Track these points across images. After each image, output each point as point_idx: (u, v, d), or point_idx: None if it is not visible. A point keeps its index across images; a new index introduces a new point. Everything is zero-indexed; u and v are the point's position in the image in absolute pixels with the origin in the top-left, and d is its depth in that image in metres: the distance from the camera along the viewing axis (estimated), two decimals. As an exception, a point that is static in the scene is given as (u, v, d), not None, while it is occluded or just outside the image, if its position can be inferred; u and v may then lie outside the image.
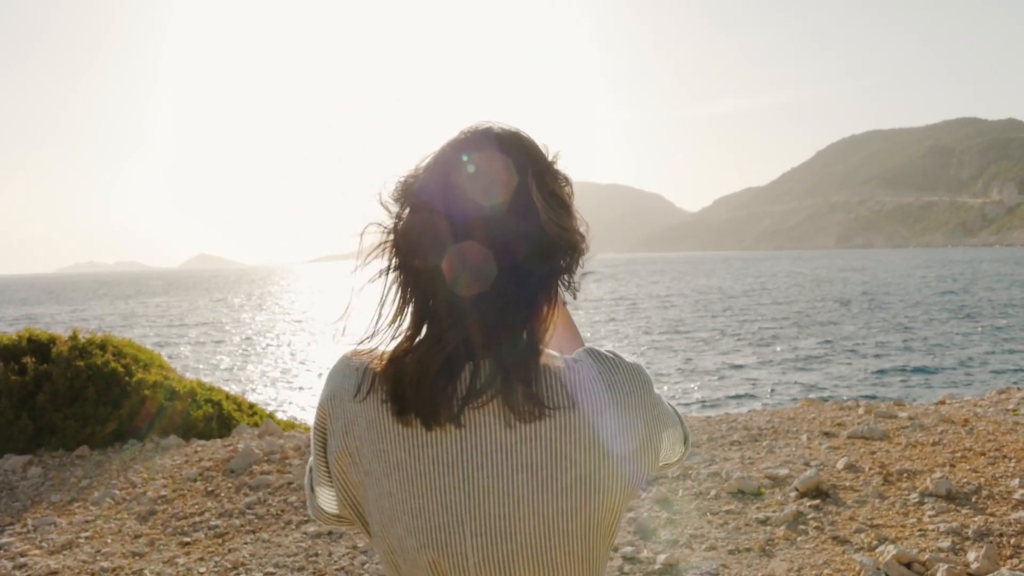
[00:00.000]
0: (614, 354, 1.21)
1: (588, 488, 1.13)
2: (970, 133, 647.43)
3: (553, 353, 1.19)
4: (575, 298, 1.23)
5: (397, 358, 1.16)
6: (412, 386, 1.12)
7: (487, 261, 1.12)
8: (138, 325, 59.66)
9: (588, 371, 1.16)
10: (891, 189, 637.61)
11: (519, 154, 1.18)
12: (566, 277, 1.20)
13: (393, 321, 1.20)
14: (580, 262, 1.20)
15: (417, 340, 1.17)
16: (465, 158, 1.16)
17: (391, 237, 1.20)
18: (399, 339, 1.19)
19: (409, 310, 1.19)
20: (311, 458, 1.30)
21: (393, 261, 1.20)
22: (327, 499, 1.29)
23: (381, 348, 1.20)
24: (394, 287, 1.20)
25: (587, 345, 1.26)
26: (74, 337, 8.41)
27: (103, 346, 8.44)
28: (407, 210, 1.19)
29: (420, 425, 1.14)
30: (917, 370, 26.50)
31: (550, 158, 1.21)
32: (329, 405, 1.22)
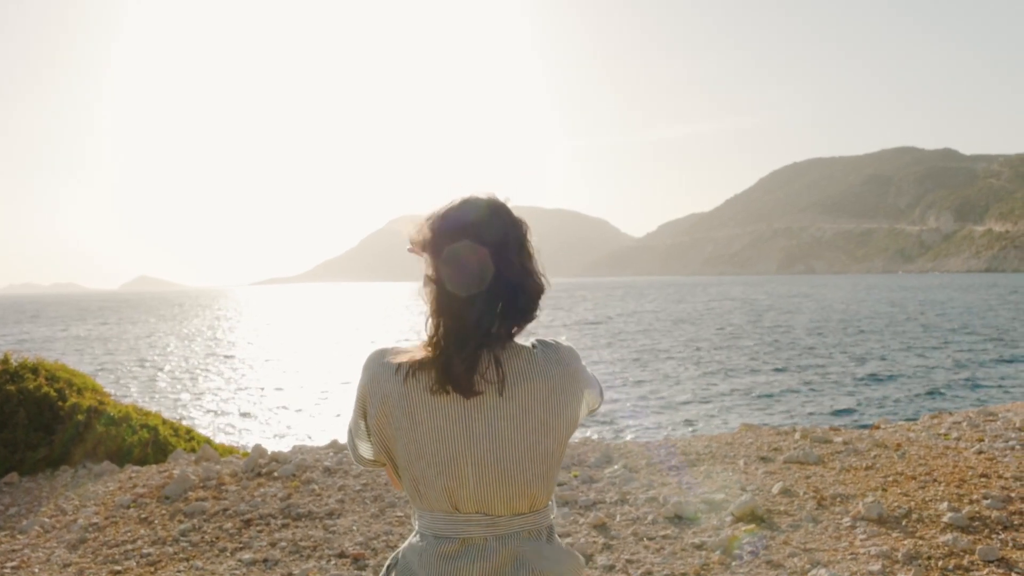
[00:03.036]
0: (554, 340, 1.87)
1: (545, 429, 1.78)
2: (908, 162, 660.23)
3: (522, 343, 1.82)
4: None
5: (432, 352, 1.74)
6: (445, 371, 1.72)
7: (493, 290, 1.74)
8: (73, 349, 58.55)
9: (542, 352, 1.81)
10: (832, 216, 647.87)
11: (517, 218, 1.83)
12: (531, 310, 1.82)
13: (432, 326, 1.77)
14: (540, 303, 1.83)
15: (443, 341, 1.73)
16: (486, 216, 1.78)
17: (431, 270, 1.78)
18: (427, 339, 1.77)
19: (439, 320, 1.75)
20: (351, 421, 1.90)
21: (431, 286, 1.78)
22: (365, 450, 1.91)
23: (401, 346, 1.83)
24: (430, 304, 1.78)
25: (538, 336, 1.88)
26: (5, 360, 8.25)
27: (35, 370, 8.28)
28: (445, 249, 1.75)
29: (440, 394, 1.74)
30: (854, 395, 26.89)
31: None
32: (370, 385, 1.81)
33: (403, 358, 1.78)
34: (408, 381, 1.76)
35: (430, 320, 1.77)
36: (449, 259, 1.74)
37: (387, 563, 1.95)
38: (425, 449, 1.76)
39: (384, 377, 1.79)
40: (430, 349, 1.75)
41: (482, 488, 1.76)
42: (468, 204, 1.80)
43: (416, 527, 1.87)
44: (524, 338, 1.85)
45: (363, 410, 1.84)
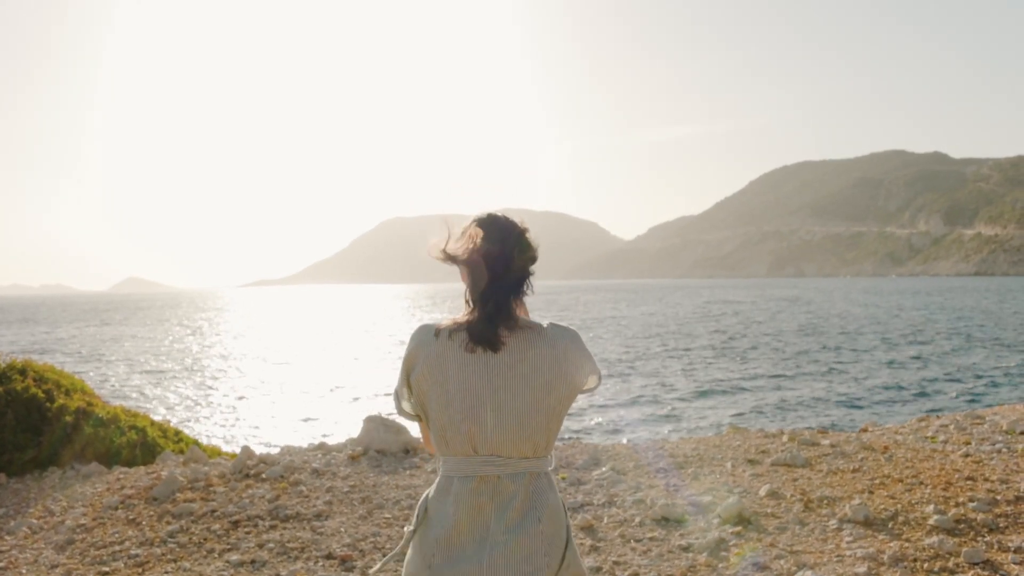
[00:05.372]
0: (564, 324, 2.35)
1: (548, 388, 2.25)
2: (897, 165, 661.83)
3: (535, 320, 2.33)
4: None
5: (466, 321, 2.26)
6: (478, 328, 2.23)
7: (506, 276, 2.28)
8: (62, 350, 58.37)
9: (551, 329, 2.31)
10: (821, 219, 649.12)
11: (517, 224, 2.37)
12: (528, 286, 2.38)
13: (467, 304, 2.32)
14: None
15: (473, 314, 2.26)
16: (497, 222, 2.34)
17: (463, 262, 2.31)
18: (462, 313, 2.31)
19: (469, 300, 2.31)
20: (397, 382, 2.39)
21: (465, 276, 2.33)
22: (407, 406, 2.39)
23: (443, 320, 2.32)
24: (466, 289, 2.33)
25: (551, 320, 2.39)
26: (-7, 362, 8.23)
27: (23, 371, 8.26)
28: (469, 249, 2.29)
29: (473, 352, 2.24)
30: (842, 398, 26.97)
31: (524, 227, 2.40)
32: (417, 348, 2.30)
33: (443, 325, 2.30)
34: (446, 342, 2.27)
35: (467, 301, 2.34)
36: (464, 264, 2.32)
37: (417, 504, 2.39)
38: (454, 398, 2.23)
39: (427, 341, 2.29)
40: (464, 319, 2.28)
41: (498, 432, 2.22)
42: (478, 217, 2.37)
43: (441, 472, 2.34)
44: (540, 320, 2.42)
45: (408, 371, 2.33)
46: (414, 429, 8.22)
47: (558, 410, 2.29)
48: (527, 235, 2.39)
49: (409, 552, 2.33)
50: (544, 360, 2.26)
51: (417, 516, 2.36)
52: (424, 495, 2.37)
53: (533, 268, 2.40)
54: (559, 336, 2.31)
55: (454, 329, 2.28)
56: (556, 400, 2.27)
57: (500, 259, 2.30)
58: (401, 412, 2.46)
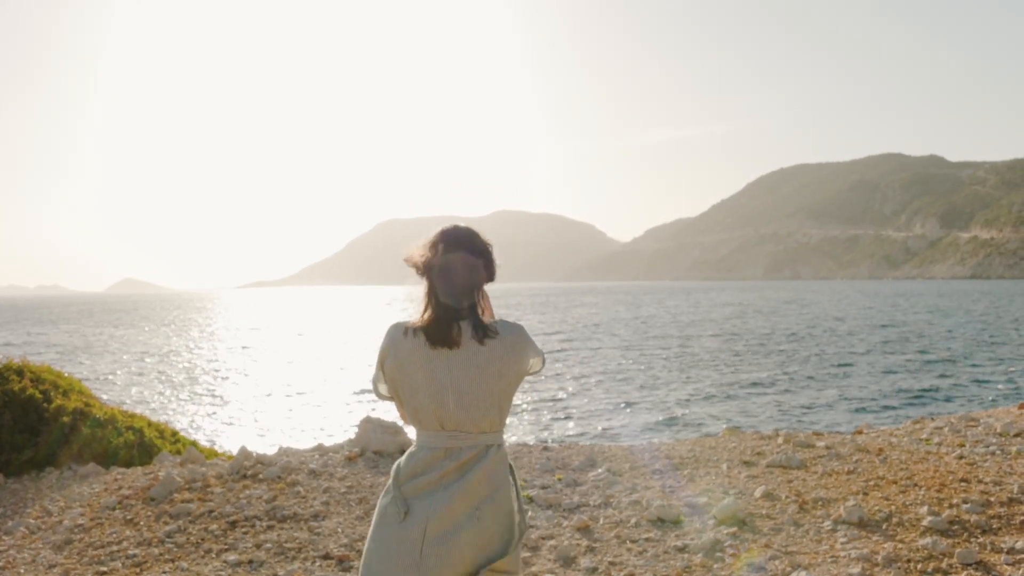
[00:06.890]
0: (511, 321, 2.78)
1: (499, 376, 2.68)
2: (894, 168, 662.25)
3: (487, 319, 2.73)
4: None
5: (427, 320, 2.66)
6: (435, 331, 2.64)
7: (462, 284, 2.66)
8: (59, 351, 58.27)
9: (500, 325, 2.72)
10: (818, 222, 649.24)
11: (478, 238, 2.75)
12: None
13: (424, 305, 2.70)
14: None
15: (434, 313, 2.66)
16: (456, 235, 2.71)
17: (425, 269, 2.68)
18: (425, 313, 2.68)
19: (430, 301, 2.68)
20: (375, 370, 2.83)
21: (426, 280, 2.69)
22: (383, 389, 2.82)
23: (411, 319, 2.73)
24: (425, 291, 2.70)
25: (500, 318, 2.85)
26: (-9, 362, 8.23)
27: (20, 372, 8.26)
28: (434, 254, 2.66)
29: (434, 348, 2.64)
30: (837, 400, 27.01)
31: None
32: (389, 345, 2.71)
33: (409, 324, 2.71)
34: (412, 339, 2.68)
35: (424, 305, 2.71)
36: (443, 267, 2.66)
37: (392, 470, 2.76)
38: (422, 386, 2.66)
39: (398, 338, 2.71)
40: (424, 320, 2.68)
41: (458, 411, 2.66)
42: (456, 227, 2.76)
43: (415, 443, 2.76)
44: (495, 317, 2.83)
45: (382, 361, 2.76)
46: (411, 431, 8.24)
47: (508, 392, 2.75)
48: (487, 248, 2.77)
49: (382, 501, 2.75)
50: (495, 352, 2.69)
51: (392, 475, 2.77)
52: (396, 462, 2.79)
53: (491, 277, 2.78)
54: (506, 331, 2.74)
55: (419, 327, 2.69)
56: (506, 384, 2.73)
57: (456, 269, 2.67)
58: (379, 396, 2.90)
